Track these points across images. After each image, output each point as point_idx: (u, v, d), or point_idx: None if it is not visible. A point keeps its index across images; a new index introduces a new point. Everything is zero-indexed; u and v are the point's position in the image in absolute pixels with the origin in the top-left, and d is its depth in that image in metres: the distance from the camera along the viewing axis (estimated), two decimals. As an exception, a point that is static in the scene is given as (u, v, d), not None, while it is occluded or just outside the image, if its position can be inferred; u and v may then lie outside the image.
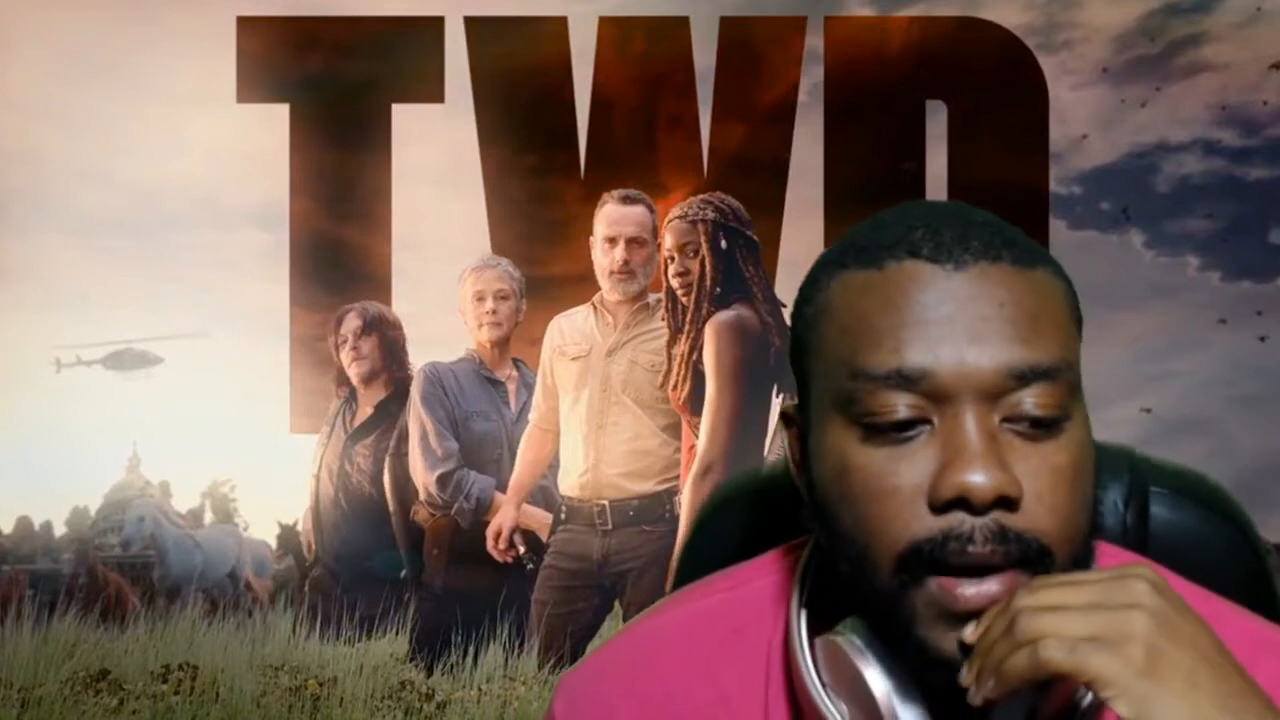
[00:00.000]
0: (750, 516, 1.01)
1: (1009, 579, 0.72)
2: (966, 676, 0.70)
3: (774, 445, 3.70)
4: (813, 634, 0.81)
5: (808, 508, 0.79)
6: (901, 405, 0.73)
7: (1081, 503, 0.74)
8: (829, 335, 0.77)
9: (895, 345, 0.73)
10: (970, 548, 0.71)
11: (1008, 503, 0.71)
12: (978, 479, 0.71)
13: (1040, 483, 0.72)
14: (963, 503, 0.71)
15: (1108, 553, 0.84)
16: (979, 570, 0.72)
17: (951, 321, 0.73)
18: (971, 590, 0.72)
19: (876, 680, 0.76)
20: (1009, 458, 0.72)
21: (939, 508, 0.72)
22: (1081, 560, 0.74)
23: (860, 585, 0.75)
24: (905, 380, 0.73)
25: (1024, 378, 0.72)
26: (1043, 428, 0.73)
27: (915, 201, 0.80)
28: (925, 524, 0.72)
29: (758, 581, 0.88)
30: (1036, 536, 0.72)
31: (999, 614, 0.69)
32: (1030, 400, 0.73)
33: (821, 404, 0.77)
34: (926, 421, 0.73)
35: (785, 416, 0.83)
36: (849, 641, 0.77)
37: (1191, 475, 0.98)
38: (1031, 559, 0.72)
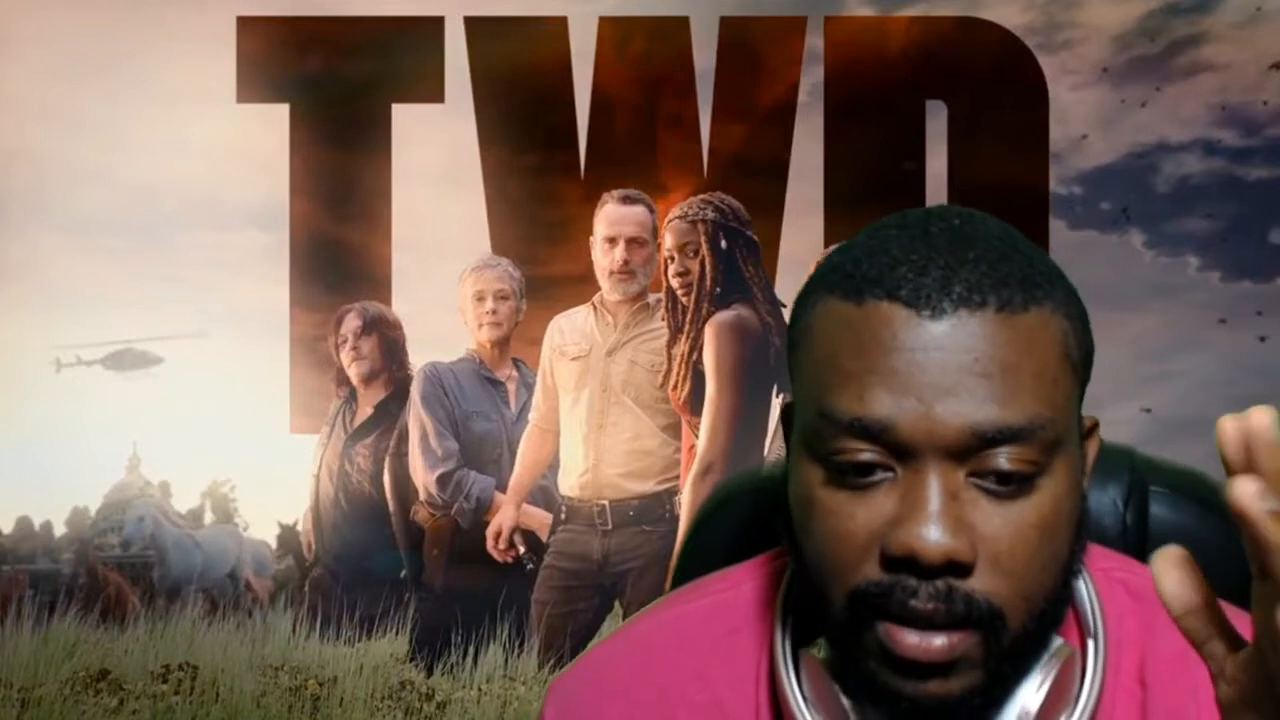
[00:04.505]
0: (750, 516, 1.01)
1: (957, 637, 0.70)
2: None
3: (774, 445, 3.70)
4: (799, 643, 0.81)
5: (784, 518, 0.79)
6: (864, 453, 0.71)
7: (1047, 561, 0.72)
8: (804, 363, 0.76)
9: (860, 392, 0.71)
10: (913, 602, 0.70)
11: (958, 568, 0.69)
12: (928, 543, 0.69)
13: (999, 546, 0.70)
14: (912, 563, 0.70)
15: (1102, 556, 0.83)
16: (924, 623, 0.70)
17: (921, 373, 0.70)
18: (914, 639, 0.70)
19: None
20: (970, 517, 0.70)
21: (888, 563, 0.70)
22: (1046, 615, 0.73)
23: (821, 611, 0.75)
24: (867, 431, 0.71)
25: (992, 440, 0.69)
26: (1012, 484, 0.70)
27: (914, 218, 0.76)
28: (876, 571, 0.71)
29: (751, 583, 0.87)
30: (988, 597, 0.70)
31: None
32: (999, 458, 0.70)
33: (797, 431, 0.76)
34: (890, 468, 0.72)
35: (785, 415, 0.82)
36: (826, 660, 0.77)
37: (1191, 475, 0.98)
38: (980, 619, 0.70)
